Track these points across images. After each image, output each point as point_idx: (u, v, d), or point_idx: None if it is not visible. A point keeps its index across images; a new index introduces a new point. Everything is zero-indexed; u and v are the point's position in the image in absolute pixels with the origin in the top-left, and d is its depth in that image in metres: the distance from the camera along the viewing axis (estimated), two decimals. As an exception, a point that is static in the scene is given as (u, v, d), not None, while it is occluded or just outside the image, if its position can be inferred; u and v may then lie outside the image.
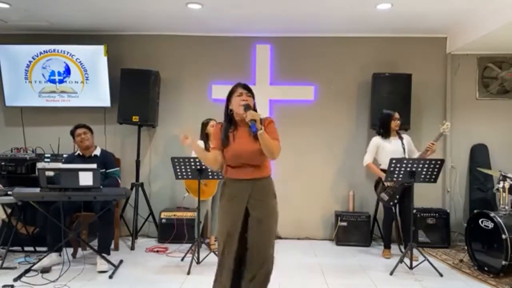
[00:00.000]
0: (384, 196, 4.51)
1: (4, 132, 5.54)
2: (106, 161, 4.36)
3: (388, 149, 4.50)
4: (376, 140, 4.62)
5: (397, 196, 4.43)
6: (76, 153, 4.43)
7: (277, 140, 2.64)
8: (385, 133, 4.57)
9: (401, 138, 4.55)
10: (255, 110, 2.68)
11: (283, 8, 4.51)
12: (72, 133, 4.35)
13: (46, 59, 5.25)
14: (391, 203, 4.48)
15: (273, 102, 5.46)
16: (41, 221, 4.53)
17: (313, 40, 5.43)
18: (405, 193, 4.38)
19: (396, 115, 4.55)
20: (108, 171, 4.31)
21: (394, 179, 4.09)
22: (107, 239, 4.18)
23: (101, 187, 3.74)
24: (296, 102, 5.48)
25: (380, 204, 4.84)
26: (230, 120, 2.70)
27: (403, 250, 4.49)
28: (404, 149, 4.50)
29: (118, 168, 4.45)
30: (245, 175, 2.62)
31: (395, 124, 4.53)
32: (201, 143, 4.66)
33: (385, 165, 4.50)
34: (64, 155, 5.01)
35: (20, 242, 4.48)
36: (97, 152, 4.40)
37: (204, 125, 4.74)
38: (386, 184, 4.43)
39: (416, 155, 4.52)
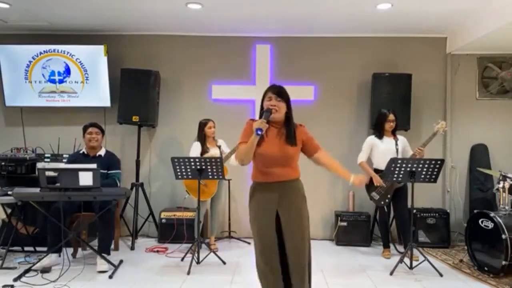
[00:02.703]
0: (375, 195, 4.50)
1: (4, 132, 5.53)
2: (110, 162, 4.36)
3: (380, 149, 4.49)
4: (370, 139, 4.59)
5: (388, 196, 4.43)
6: (81, 151, 4.42)
7: (319, 148, 2.90)
8: (379, 133, 4.55)
9: (396, 139, 4.51)
10: (289, 113, 2.79)
11: (283, 8, 4.51)
12: (85, 128, 4.36)
13: (46, 59, 5.25)
14: (382, 202, 4.48)
15: (273, 102, 5.45)
16: (41, 221, 4.54)
17: (313, 40, 5.43)
18: (398, 193, 4.39)
19: (391, 116, 4.49)
20: (109, 172, 4.31)
21: (394, 179, 4.08)
22: (107, 239, 4.17)
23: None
24: (296, 102, 5.29)
25: (379, 204, 4.85)
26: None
27: (401, 250, 4.49)
28: (397, 149, 4.46)
29: (119, 171, 4.43)
30: (273, 178, 2.61)
31: (388, 125, 4.49)
32: (197, 145, 4.63)
33: (377, 165, 4.51)
34: (64, 155, 5.02)
35: (20, 242, 4.48)
36: (102, 152, 4.41)
37: (202, 125, 4.68)
38: (376, 183, 4.42)
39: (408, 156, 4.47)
